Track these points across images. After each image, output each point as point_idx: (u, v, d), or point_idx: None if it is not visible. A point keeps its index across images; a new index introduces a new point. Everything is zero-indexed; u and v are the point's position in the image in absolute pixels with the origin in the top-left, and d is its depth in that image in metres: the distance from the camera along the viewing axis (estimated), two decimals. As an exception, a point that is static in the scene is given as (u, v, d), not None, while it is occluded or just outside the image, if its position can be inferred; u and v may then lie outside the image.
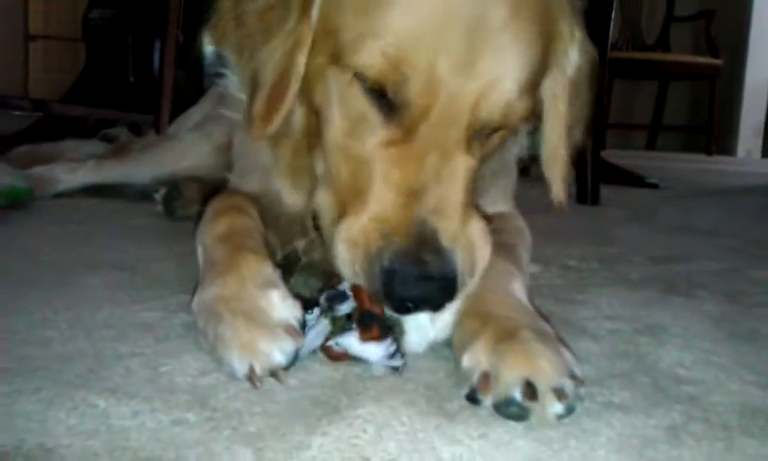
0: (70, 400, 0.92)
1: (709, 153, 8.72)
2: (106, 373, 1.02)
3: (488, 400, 0.96)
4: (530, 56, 1.10)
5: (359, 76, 1.08)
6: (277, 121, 1.21)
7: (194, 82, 4.22)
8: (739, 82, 9.35)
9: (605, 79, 3.40)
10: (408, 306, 1.05)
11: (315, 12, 1.16)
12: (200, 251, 1.31)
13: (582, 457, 0.85)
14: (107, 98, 4.24)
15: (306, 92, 1.21)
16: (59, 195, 2.53)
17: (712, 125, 8.79)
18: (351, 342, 1.06)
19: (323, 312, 1.10)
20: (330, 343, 1.07)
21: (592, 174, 3.30)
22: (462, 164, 1.10)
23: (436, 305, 1.07)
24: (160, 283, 1.50)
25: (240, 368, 1.00)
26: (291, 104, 1.21)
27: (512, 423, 0.92)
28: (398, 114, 1.08)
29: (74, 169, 2.56)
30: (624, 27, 8.58)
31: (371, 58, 1.05)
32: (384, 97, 1.08)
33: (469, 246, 1.09)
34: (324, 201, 1.19)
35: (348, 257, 1.08)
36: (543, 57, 1.16)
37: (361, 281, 1.07)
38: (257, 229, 1.33)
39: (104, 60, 4.73)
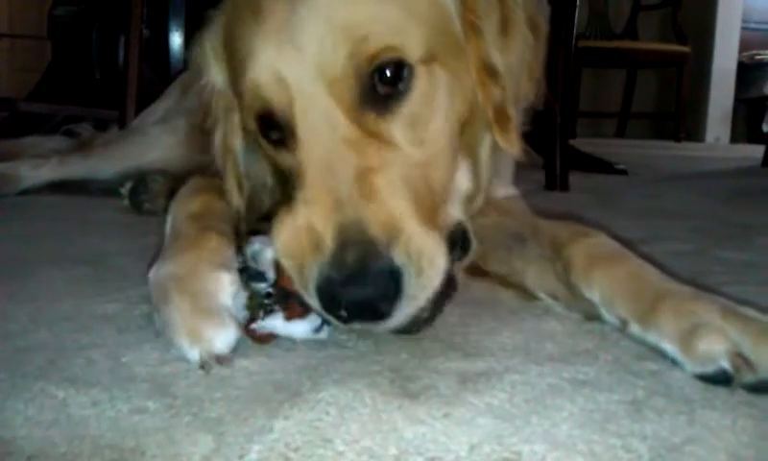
0: (28, 390, 0.91)
1: (678, 139, 8.80)
2: (65, 364, 1.01)
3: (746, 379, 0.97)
4: None
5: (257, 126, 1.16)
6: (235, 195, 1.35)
7: (160, 77, 4.19)
8: (707, 68, 9.44)
9: (571, 67, 3.41)
10: (352, 317, 0.99)
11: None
12: (169, 223, 1.31)
13: (544, 433, 0.85)
14: (73, 95, 4.20)
15: None
16: (22, 192, 2.50)
17: (680, 112, 8.86)
18: (276, 323, 1.06)
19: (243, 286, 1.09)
20: (254, 326, 1.07)
21: (561, 160, 3.32)
22: (353, 138, 1.05)
23: (382, 306, 0.99)
24: (123, 276, 1.49)
25: (191, 354, 1.01)
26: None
27: (474, 401, 0.92)
28: (287, 134, 1.11)
29: (38, 166, 2.54)
30: (592, 16, 8.63)
31: (248, 111, 1.15)
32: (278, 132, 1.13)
33: (412, 233, 1.00)
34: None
35: (290, 268, 1.04)
36: None
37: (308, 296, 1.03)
38: (228, 216, 1.32)
39: (69, 57, 4.68)
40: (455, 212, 1.18)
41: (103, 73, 4.44)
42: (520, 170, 1.73)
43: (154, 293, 1.12)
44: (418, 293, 1.01)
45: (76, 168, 2.53)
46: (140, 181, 2.31)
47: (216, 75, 1.30)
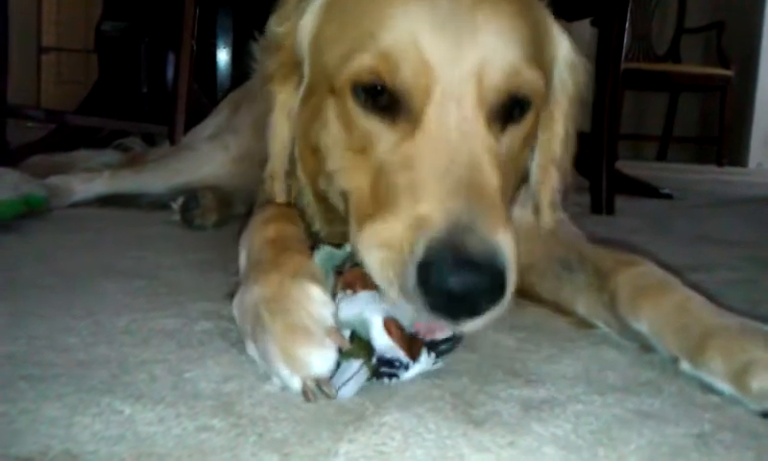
0: (95, 405, 0.92)
1: (720, 164, 8.69)
2: (129, 379, 1.02)
3: None
4: (522, 27, 1.14)
5: (355, 87, 1.12)
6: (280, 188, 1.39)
7: (206, 94, 4.23)
8: (750, 93, 9.30)
9: (619, 90, 3.39)
10: (451, 304, 0.94)
11: (306, 68, 1.28)
12: (243, 254, 1.28)
13: (612, 465, 0.84)
14: (120, 109, 4.24)
15: (304, 153, 1.33)
16: (74, 205, 2.53)
17: (723, 136, 8.76)
18: (402, 378, 1.03)
19: (357, 358, 1.00)
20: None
21: (607, 184, 3.29)
22: (482, 142, 1.07)
23: (483, 302, 0.95)
24: (179, 291, 1.50)
25: (292, 382, 0.96)
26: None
27: (539, 430, 0.91)
28: (403, 110, 1.09)
29: (89, 179, 2.56)
30: (634, 38, 8.56)
31: (362, 62, 1.10)
32: (387, 101, 1.10)
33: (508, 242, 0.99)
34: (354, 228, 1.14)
35: (379, 261, 1.01)
36: (537, 41, 1.19)
37: (394, 287, 0.98)
38: (304, 239, 1.29)
39: (117, 72, 4.74)
40: None
41: (150, 88, 4.49)
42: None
43: (244, 322, 1.08)
44: (504, 301, 0.99)
45: (127, 182, 2.55)
46: (191, 196, 2.33)
47: (308, 24, 1.27)
